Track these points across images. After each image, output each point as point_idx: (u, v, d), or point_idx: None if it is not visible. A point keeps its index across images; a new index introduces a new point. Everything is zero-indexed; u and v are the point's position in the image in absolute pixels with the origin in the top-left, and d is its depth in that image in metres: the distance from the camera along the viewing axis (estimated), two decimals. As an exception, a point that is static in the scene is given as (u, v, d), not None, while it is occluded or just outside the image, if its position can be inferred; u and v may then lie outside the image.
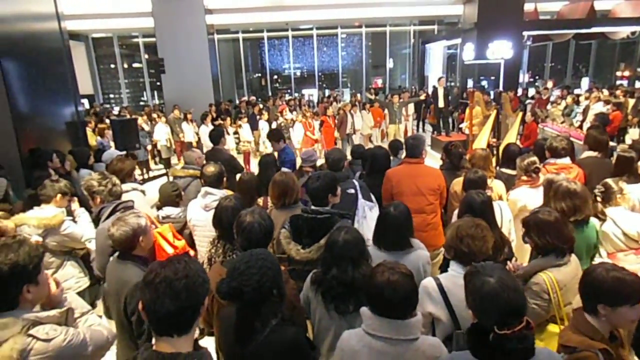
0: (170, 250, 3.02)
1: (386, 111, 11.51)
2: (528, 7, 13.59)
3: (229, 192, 3.85)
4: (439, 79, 11.90)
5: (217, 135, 5.74)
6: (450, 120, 12.60)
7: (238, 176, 4.53)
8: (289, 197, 3.29)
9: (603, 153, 4.07)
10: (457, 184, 3.88)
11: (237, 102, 14.86)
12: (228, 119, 10.38)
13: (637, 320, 1.73)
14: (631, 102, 10.90)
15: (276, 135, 5.46)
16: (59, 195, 3.34)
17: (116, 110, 15.39)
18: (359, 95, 17.09)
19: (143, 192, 3.96)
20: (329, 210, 2.84)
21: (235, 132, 10.83)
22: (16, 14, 5.38)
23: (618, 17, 14.86)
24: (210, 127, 9.77)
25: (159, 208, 3.96)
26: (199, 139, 10.13)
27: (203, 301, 1.36)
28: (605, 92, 12.47)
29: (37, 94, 5.59)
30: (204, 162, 4.57)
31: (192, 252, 3.34)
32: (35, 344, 1.51)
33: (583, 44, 20.22)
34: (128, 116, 10.34)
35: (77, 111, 6.57)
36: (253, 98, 16.53)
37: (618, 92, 11.52)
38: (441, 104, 11.54)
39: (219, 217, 2.79)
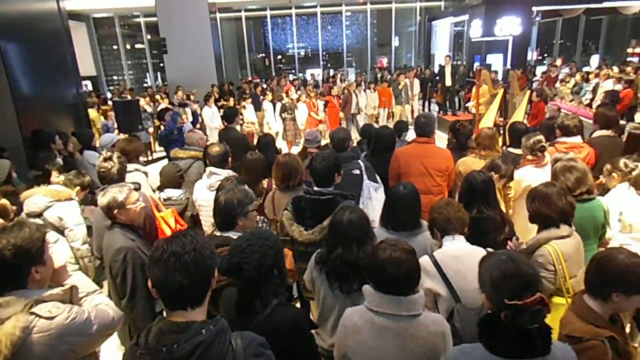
0: (171, 236, 3.03)
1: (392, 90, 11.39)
2: (537, -19, 13.24)
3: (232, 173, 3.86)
4: (446, 57, 11.72)
5: (231, 114, 5.85)
6: (456, 99, 12.43)
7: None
8: (293, 179, 3.27)
9: (614, 131, 3.99)
10: (463, 164, 3.83)
11: (240, 82, 14.75)
12: (231, 99, 10.28)
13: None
14: (643, 79, 10.66)
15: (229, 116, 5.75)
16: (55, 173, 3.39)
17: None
18: (364, 74, 16.89)
19: (146, 173, 3.95)
20: (332, 192, 2.81)
21: (239, 113, 10.77)
22: (13, -7, 5.29)
23: (630, -9, 14.46)
24: (214, 108, 9.71)
25: (160, 190, 3.94)
26: (202, 120, 10.09)
27: (213, 273, 1.37)
28: (616, 69, 12.19)
29: (37, 75, 5.54)
30: (207, 143, 4.56)
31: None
32: (38, 321, 1.51)
33: (594, 19, 19.73)
34: (129, 98, 10.26)
35: (78, 93, 6.52)
36: (257, 79, 16.38)
37: (629, 69, 11.25)
38: (448, 82, 11.34)
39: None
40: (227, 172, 3.57)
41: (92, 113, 8.88)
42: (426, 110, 14.15)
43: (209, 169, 3.59)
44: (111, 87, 17.78)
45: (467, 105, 11.63)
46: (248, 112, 10.35)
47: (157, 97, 11.29)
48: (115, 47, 19.56)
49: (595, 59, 18.30)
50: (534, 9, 13.41)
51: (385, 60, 20.90)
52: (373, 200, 3.44)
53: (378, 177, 3.69)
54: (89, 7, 16.62)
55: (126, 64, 19.73)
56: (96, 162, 3.46)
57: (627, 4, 14.48)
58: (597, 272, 1.71)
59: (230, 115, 5.71)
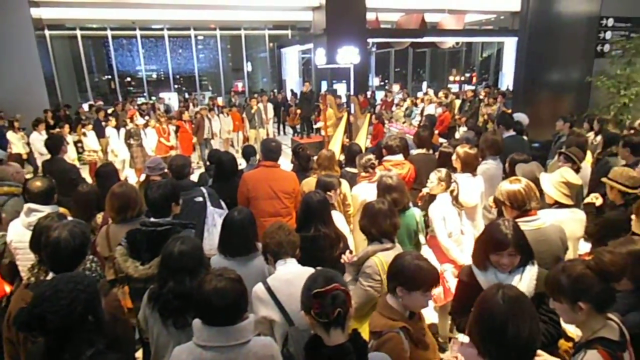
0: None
1: (244, 115, 11.51)
2: (370, 16, 14.82)
3: (63, 209, 3.45)
4: (306, 83, 12.39)
5: (54, 144, 5.11)
6: (310, 122, 13.09)
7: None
8: (131, 210, 3.06)
9: (427, 149, 4.64)
10: (306, 184, 4.04)
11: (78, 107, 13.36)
12: (67, 126, 9.23)
13: (426, 306, 1.98)
14: (458, 103, 12.63)
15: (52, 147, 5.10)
16: None
17: None
18: (219, 99, 16.77)
19: None
20: (170, 222, 2.71)
21: (79, 141, 9.74)
22: None
23: (444, 29, 17.12)
24: (44, 135, 8.59)
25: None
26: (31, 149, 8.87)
27: None
28: (431, 92, 14.26)
29: None
30: (27, 176, 4.00)
31: (7, 288, 2.89)
32: None
33: (419, 51, 22.90)
34: None
35: None
36: (100, 103, 14.99)
37: (440, 94, 13.17)
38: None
39: (37, 238, 2.45)
40: (50, 208, 3.17)
41: None
42: (282, 133, 14.61)
43: (28, 205, 3.17)
44: None
45: (315, 127, 12.37)
46: (89, 139, 9.42)
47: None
48: None
49: (425, 86, 21.21)
50: (369, 40, 14.97)
51: (240, 85, 21.07)
52: (218, 227, 3.38)
53: (223, 203, 3.67)
54: None
55: None
56: None
57: (441, 39, 17.10)
58: (388, 270, 2.00)
59: (53, 146, 5.05)
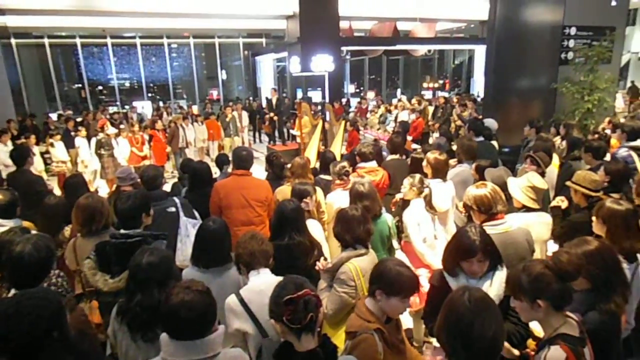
0: None
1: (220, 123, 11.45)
2: (344, 24, 15.00)
3: (27, 223, 3.36)
4: (272, 90, 12.36)
5: (20, 155, 4.98)
6: (285, 129, 13.11)
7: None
8: (97, 222, 2.99)
9: (400, 154, 4.70)
10: (280, 192, 4.03)
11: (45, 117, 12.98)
12: (33, 136, 8.96)
13: (403, 312, 2.00)
14: (431, 109, 12.84)
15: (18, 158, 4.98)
16: None
17: None
18: (194, 107, 16.60)
19: None
20: (141, 233, 2.66)
21: (46, 152, 9.46)
22: None
23: (416, 37, 17.46)
24: (9, 146, 8.32)
25: None
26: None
27: None
28: (404, 99, 14.48)
29: None
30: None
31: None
32: None
33: (393, 59, 23.26)
34: None
35: None
36: (70, 112, 14.64)
37: (413, 100, 13.39)
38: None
39: (-1, 254, 2.38)
40: (13, 222, 3.09)
41: None
42: (258, 141, 14.56)
43: (-11, 219, 3.07)
44: None
45: (292, 134, 12.39)
46: (58, 150, 9.17)
47: None
48: None
49: (399, 92, 21.51)
50: (343, 48, 15.12)
51: (215, 93, 20.93)
52: (191, 237, 3.35)
53: (197, 213, 3.62)
54: None
55: None
56: None
57: (414, 47, 17.45)
58: (372, 272, 2.00)
59: (19, 157, 4.90)
